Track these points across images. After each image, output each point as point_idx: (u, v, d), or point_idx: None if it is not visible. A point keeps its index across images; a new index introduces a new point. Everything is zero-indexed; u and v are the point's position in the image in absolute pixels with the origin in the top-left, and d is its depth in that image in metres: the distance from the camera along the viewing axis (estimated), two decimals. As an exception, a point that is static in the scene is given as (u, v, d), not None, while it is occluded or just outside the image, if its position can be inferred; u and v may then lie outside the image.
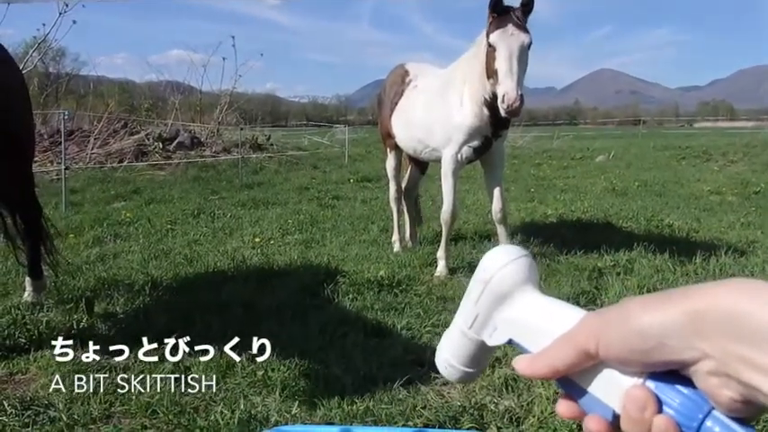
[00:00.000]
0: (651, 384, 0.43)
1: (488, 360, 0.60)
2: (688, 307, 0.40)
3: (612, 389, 0.44)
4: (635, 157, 15.63)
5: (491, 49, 3.64)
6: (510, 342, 0.52)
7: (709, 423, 0.40)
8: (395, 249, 4.95)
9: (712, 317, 0.38)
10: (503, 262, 0.53)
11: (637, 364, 0.43)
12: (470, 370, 0.58)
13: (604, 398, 0.45)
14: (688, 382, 0.42)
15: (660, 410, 0.42)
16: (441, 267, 4.23)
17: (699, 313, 0.39)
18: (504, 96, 3.52)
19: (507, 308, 0.53)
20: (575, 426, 2.16)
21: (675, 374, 0.42)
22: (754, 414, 0.40)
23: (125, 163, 11.43)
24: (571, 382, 0.47)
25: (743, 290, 0.38)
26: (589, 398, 0.46)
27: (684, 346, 0.40)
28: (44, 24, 12.79)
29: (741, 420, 0.40)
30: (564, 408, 0.49)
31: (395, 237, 5.07)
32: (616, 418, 0.44)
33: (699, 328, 0.39)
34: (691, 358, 0.40)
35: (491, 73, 3.67)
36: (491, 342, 0.54)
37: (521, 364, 0.49)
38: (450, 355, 0.58)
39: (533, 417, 2.23)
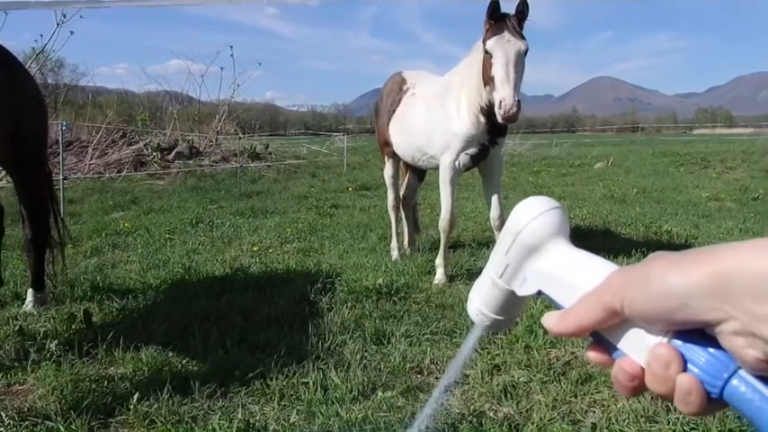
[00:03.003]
0: (677, 342, 0.43)
1: (519, 309, 0.60)
2: (712, 268, 0.39)
3: (639, 346, 0.45)
4: (633, 164, 15.65)
5: (488, 56, 3.66)
6: (539, 293, 0.53)
7: (734, 382, 0.40)
8: (393, 257, 4.95)
9: (738, 278, 0.38)
10: (533, 214, 0.53)
11: (660, 323, 0.43)
12: (501, 318, 0.58)
13: (632, 354, 0.45)
14: (715, 342, 0.41)
15: (685, 369, 0.42)
16: (439, 275, 4.23)
17: (724, 275, 0.39)
18: (501, 102, 3.53)
19: (537, 259, 0.53)
20: (574, 432, 2.15)
21: (702, 333, 0.42)
22: None
23: (123, 173, 11.44)
24: (600, 337, 0.48)
25: None
26: (618, 353, 0.47)
27: (708, 306, 0.40)
28: (42, 35, 12.81)
29: (767, 380, 0.40)
30: (593, 355, 0.49)
31: (393, 244, 5.07)
32: (643, 373, 0.45)
33: (723, 289, 0.39)
34: (714, 319, 0.40)
35: (488, 80, 3.69)
36: (521, 292, 0.54)
37: (549, 322, 0.49)
38: (481, 303, 0.58)
39: (532, 424, 2.22)
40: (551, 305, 0.51)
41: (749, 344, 0.39)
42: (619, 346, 0.46)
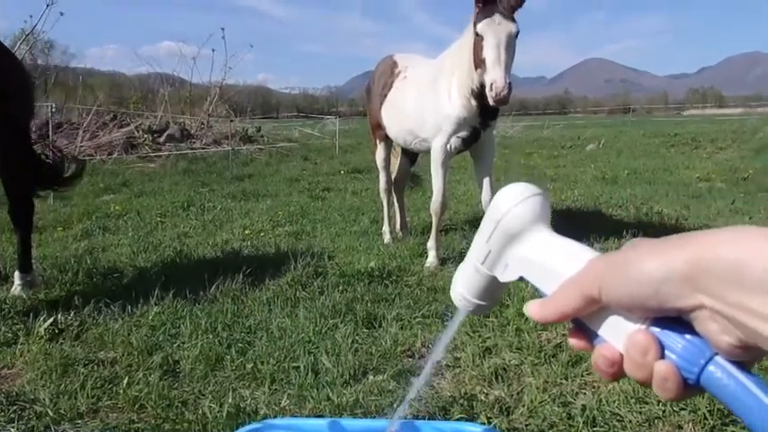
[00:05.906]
0: (655, 329, 0.43)
1: (501, 293, 0.60)
2: (687, 255, 0.40)
3: (618, 332, 0.45)
4: (625, 146, 15.66)
5: (478, 39, 3.62)
6: (521, 279, 0.53)
7: (711, 368, 0.41)
8: (385, 240, 4.94)
9: (712, 266, 0.38)
10: (514, 200, 0.53)
11: (637, 310, 0.43)
12: (483, 303, 0.59)
13: (611, 340, 0.46)
14: (693, 329, 0.42)
15: (663, 356, 0.42)
16: (431, 258, 4.23)
17: (698, 262, 0.39)
18: (491, 85, 3.51)
19: (518, 246, 0.53)
20: (564, 415, 2.17)
21: (680, 320, 0.42)
22: (754, 358, 0.41)
23: (114, 155, 11.34)
24: (581, 323, 0.48)
25: (743, 238, 0.38)
26: (598, 339, 0.47)
27: (682, 293, 0.40)
28: (31, 16, 12.58)
29: (742, 365, 0.40)
30: (575, 341, 0.50)
31: (385, 228, 5.06)
32: (622, 359, 0.45)
33: (697, 275, 0.39)
34: (689, 306, 0.40)
35: (479, 62, 3.65)
36: (503, 279, 0.55)
37: (531, 310, 0.50)
38: (464, 288, 0.59)
39: (523, 406, 2.23)
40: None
41: (723, 330, 0.39)
42: (599, 332, 0.47)
